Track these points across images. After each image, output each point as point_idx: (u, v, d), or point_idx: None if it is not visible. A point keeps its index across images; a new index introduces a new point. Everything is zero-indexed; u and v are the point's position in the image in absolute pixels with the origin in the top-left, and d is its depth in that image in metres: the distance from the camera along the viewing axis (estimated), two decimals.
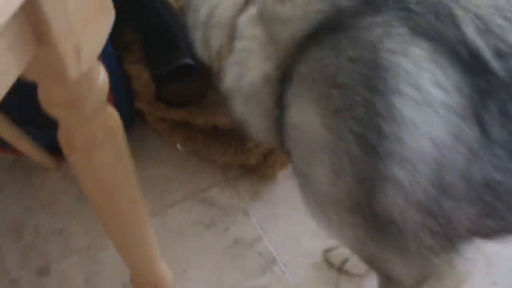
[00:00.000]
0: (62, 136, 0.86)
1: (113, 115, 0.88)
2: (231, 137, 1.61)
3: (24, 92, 0.82)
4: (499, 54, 0.76)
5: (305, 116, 0.84)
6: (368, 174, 0.81)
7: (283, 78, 0.88)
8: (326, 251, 1.51)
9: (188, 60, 1.50)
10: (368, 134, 0.79)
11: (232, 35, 0.95)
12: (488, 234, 0.90)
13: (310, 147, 0.87)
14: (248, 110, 0.97)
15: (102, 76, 0.79)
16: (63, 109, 0.80)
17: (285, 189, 1.63)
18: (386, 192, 0.81)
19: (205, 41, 1.03)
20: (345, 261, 1.48)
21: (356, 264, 1.44)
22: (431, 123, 0.77)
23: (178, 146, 1.68)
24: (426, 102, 0.77)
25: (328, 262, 1.51)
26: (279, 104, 0.89)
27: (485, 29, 0.77)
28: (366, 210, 0.84)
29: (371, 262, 0.99)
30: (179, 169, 1.68)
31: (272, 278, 1.51)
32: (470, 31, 0.76)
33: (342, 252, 1.47)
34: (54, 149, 1.59)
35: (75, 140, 0.85)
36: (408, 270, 0.95)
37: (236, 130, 1.40)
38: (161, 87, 1.59)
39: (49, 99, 0.78)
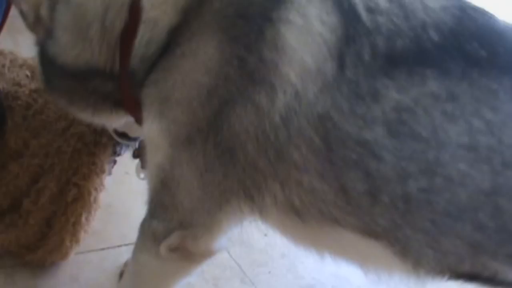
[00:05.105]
0: None
1: None
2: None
3: None
4: (369, 9, 0.94)
5: (204, 43, 0.96)
6: (234, 97, 0.93)
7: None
8: None
9: None
10: (250, 59, 0.93)
11: None
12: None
13: (193, 71, 0.97)
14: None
15: None
16: None
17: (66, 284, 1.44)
18: (242, 115, 0.93)
19: None
20: None
21: None
22: (306, 51, 0.92)
23: None
24: (308, 31, 0.92)
25: None
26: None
27: None
28: (215, 134, 0.95)
29: (167, 187, 1.04)
30: None
31: None
32: None
33: None
34: None
35: None
36: (191, 209, 1.02)
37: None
38: None
39: None
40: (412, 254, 0.95)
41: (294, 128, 0.92)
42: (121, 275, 1.40)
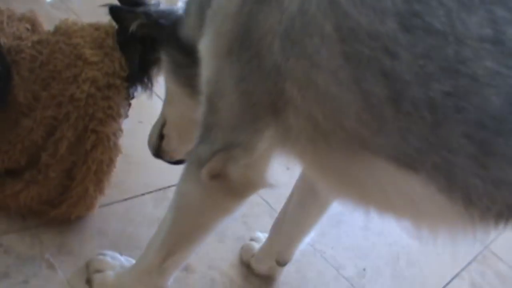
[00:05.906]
0: None
1: None
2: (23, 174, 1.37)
3: None
4: None
5: None
6: None
7: None
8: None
9: None
10: None
11: None
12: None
13: None
14: None
15: None
16: None
17: (95, 244, 1.41)
18: (268, 13, 0.92)
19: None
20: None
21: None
22: None
23: None
24: None
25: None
26: None
27: None
28: (246, 38, 0.95)
29: (212, 103, 1.04)
30: None
31: None
32: None
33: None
34: None
35: None
36: (233, 125, 1.02)
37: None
38: None
39: None
40: (459, 188, 0.85)
41: (308, 16, 0.87)
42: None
